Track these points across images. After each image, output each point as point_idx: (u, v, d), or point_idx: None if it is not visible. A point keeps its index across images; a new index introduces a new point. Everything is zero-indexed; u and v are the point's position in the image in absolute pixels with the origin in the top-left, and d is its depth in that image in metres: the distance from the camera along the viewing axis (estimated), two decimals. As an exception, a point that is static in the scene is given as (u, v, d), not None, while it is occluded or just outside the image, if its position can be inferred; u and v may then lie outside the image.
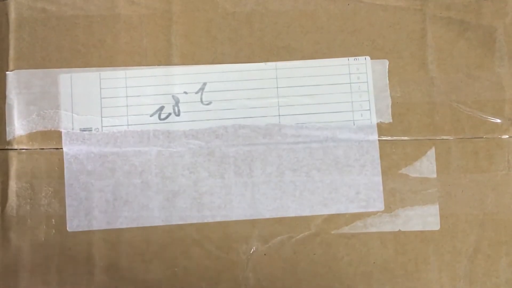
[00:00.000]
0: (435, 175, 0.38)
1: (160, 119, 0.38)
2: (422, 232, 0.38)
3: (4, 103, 0.38)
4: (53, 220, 0.37)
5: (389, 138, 0.38)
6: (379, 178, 0.38)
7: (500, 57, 0.39)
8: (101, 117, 0.38)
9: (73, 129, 0.38)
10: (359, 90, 0.39)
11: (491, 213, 0.38)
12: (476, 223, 0.38)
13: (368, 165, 0.38)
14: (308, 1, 0.39)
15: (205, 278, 0.37)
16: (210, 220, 0.38)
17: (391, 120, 0.38)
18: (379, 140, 0.38)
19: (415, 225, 0.38)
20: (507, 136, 0.38)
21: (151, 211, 0.38)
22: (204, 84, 0.38)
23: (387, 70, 0.39)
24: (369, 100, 0.38)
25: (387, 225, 0.38)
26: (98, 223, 0.37)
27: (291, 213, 0.38)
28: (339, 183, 0.38)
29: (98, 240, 0.37)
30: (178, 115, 0.38)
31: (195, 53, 0.39)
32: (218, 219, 0.38)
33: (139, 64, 0.39)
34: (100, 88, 0.38)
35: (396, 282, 0.37)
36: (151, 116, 0.38)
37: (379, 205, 0.38)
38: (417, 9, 0.39)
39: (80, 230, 0.37)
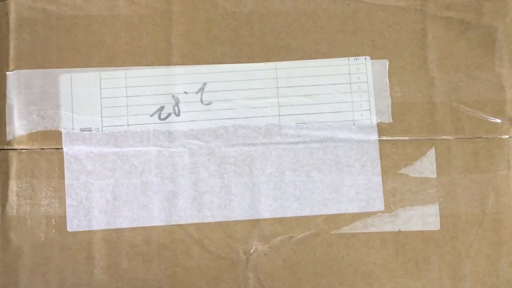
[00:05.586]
0: (435, 175, 0.38)
1: (160, 119, 0.38)
2: (422, 232, 0.38)
3: (4, 103, 0.38)
4: (53, 220, 0.38)
5: (389, 138, 0.38)
6: (379, 178, 0.38)
7: (500, 57, 0.39)
8: (101, 117, 0.38)
9: (73, 129, 0.38)
10: (359, 90, 0.39)
11: (491, 213, 0.38)
12: (476, 223, 0.38)
13: (368, 165, 0.38)
14: (308, 1, 0.39)
15: (205, 278, 0.37)
16: (210, 220, 0.38)
17: (391, 120, 0.38)
18: (379, 140, 0.38)
19: (415, 225, 0.38)
20: (507, 136, 0.38)
21: (151, 211, 0.38)
22: (204, 84, 0.38)
23: (387, 70, 0.39)
24: (369, 100, 0.38)
25: (387, 225, 0.38)
26: (98, 223, 0.37)
27: (291, 213, 0.38)
28: (339, 183, 0.38)
29: (98, 240, 0.37)
30: (178, 115, 0.38)
31: (195, 53, 0.39)
32: (218, 219, 0.38)
33: (139, 64, 0.39)
34: (100, 88, 0.38)
35: (396, 282, 0.37)
36: (151, 116, 0.38)
37: (379, 205, 0.38)
38: (417, 9, 0.39)
39: (80, 230, 0.37)
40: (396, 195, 0.38)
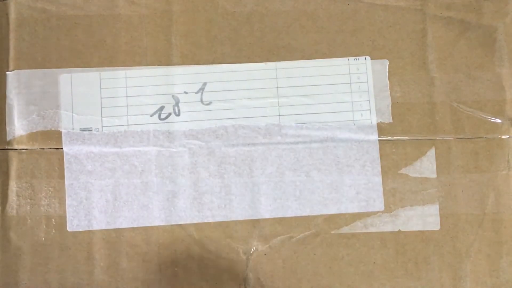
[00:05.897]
0: (435, 175, 0.38)
1: (160, 119, 0.38)
2: (422, 232, 0.38)
3: (4, 103, 0.38)
4: (53, 220, 0.38)
5: (389, 138, 0.38)
6: (379, 178, 0.38)
7: (500, 57, 0.39)
8: (101, 117, 0.38)
9: (73, 129, 0.38)
10: (359, 90, 0.39)
11: (491, 213, 0.38)
12: (476, 223, 0.38)
13: (368, 165, 0.38)
14: (308, 1, 0.39)
15: (205, 278, 0.37)
16: (210, 220, 0.38)
17: (391, 120, 0.38)
18: (379, 140, 0.38)
19: (415, 225, 0.38)
20: (507, 136, 0.38)
21: (151, 211, 0.38)
22: (204, 84, 0.38)
23: (387, 70, 0.39)
24: (369, 100, 0.38)
25: (387, 225, 0.38)
26: (98, 223, 0.37)
27: (291, 213, 0.38)
28: (339, 183, 0.38)
29: (98, 240, 0.37)
30: (178, 115, 0.38)
31: (195, 53, 0.39)
32: (218, 219, 0.38)
33: (139, 64, 0.39)
34: (100, 88, 0.38)
35: (396, 282, 0.37)
36: (151, 116, 0.38)
37: (379, 205, 0.38)
38: (417, 9, 0.39)
39: (80, 230, 0.37)
40: (396, 195, 0.38)
